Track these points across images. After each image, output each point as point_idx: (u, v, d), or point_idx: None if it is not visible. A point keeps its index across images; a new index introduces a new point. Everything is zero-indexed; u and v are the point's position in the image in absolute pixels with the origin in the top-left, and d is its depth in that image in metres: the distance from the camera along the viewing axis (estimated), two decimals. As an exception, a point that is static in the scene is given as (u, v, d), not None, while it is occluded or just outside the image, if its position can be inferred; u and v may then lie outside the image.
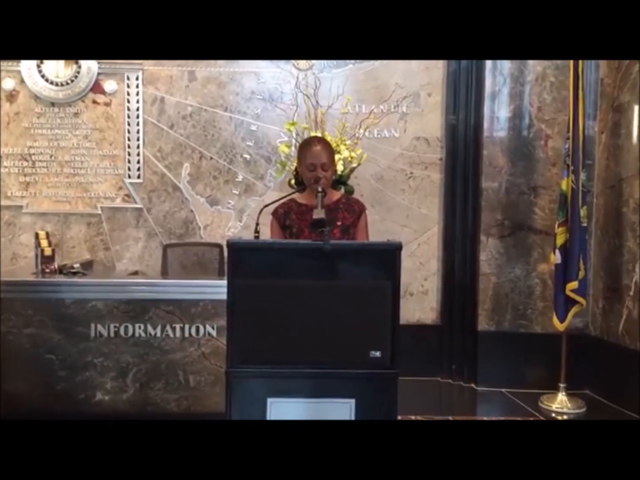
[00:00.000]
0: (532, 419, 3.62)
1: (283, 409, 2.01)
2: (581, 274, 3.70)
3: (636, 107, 3.78)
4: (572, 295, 3.69)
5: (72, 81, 4.46)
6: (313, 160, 2.52)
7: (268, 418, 2.00)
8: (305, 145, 2.64)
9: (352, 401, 2.01)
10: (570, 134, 3.69)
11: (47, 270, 3.54)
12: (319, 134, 3.88)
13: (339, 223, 2.55)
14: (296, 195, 2.66)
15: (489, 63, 4.21)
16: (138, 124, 4.50)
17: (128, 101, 4.50)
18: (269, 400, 2.01)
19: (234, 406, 2.03)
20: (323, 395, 2.01)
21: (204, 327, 3.32)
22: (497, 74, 4.21)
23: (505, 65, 4.19)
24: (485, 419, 3.72)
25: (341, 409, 2.01)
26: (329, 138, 3.77)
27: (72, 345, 3.29)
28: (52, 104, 4.50)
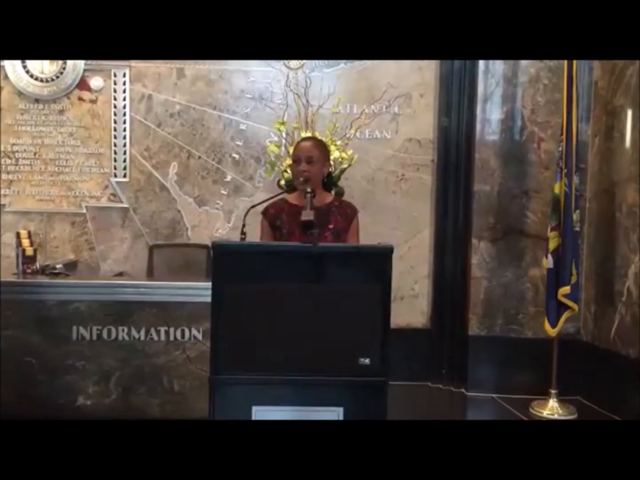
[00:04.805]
0: (523, 425, 3.56)
1: (268, 417, 1.94)
2: (573, 278, 3.66)
3: (630, 111, 3.75)
4: (564, 300, 3.64)
5: (58, 77, 4.37)
6: (299, 153, 2.47)
7: (253, 427, 1.93)
8: (297, 143, 2.62)
9: (340, 409, 1.95)
10: (564, 136, 3.64)
11: (29, 271, 3.46)
12: (309, 134, 3.81)
13: (331, 226, 2.49)
14: (288, 196, 2.60)
15: (481, 65, 4.17)
16: (125, 122, 4.41)
17: (115, 98, 4.41)
18: (254, 408, 1.95)
19: (217, 414, 1.97)
20: (310, 403, 1.94)
21: (190, 331, 3.25)
22: (490, 76, 4.16)
23: (498, 67, 4.15)
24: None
25: (329, 418, 1.94)
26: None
27: (53, 348, 3.21)
28: (37, 101, 4.40)
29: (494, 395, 4.09)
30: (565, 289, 3.62)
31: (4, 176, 4.41)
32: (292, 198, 2.57)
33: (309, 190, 2.26)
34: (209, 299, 1.99)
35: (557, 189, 3.70)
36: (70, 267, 4.04)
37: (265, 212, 2.54)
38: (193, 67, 4.41)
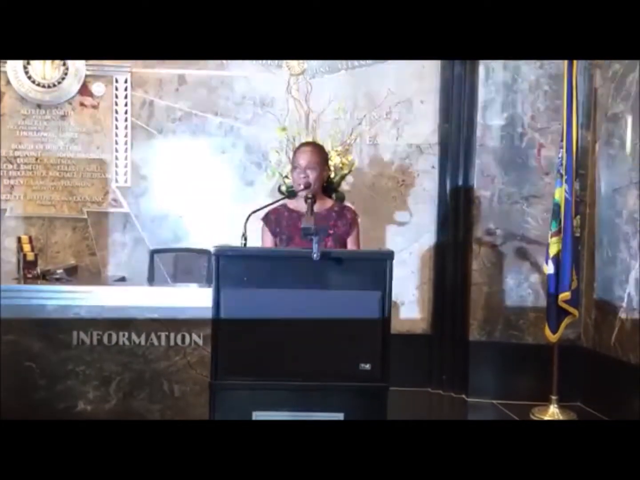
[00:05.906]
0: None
1: (269, 422, 1.94)
2: (574, 284, 3.66)
3: (630, 117, 3.76)
4: (565, 306, 3.65)
5: (59, 83, 4.38)
6: (299, 159, 2.49)
7: (253, 432, 1.93)
8: (296, 149, 2.64)
9: (341, 415, 1.96)
10: (564, 143, 3.65)
11: (29, 276, 3.44)
12: (310, 140, 3.82)
13: (331, 232, 2.50)
14: (288, 201, 2.61)
15: (482, 71, 4.18)
16: (126, 128, 4.43)
17: (116, 104, 4.42)
18: (255, 413, 1.95)
19: (218, 419, 1.97)
20: (311, 409, 1.95)
21: (190, 336, 3.24)
22: (490, 82, 4.18)
23: (499, 73, 4.16)
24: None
25: (329, 423, 1.94)
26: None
27: (53, 353, 3.19)
28: (39, 106, 4.41)
29: (494, 401, 4.08)
30: (566, 295, 3.62)
31: (5, 181, 4.42)
32: (292, 204, 2.58)
33: (309, 196, 2.27)
34: (209, 304, 1.99)
35: (557, 195, 3.70)
36: (71, 272, 4.04)
37: (265, 218, 2.56)
38: (194, 73, 4.43)
